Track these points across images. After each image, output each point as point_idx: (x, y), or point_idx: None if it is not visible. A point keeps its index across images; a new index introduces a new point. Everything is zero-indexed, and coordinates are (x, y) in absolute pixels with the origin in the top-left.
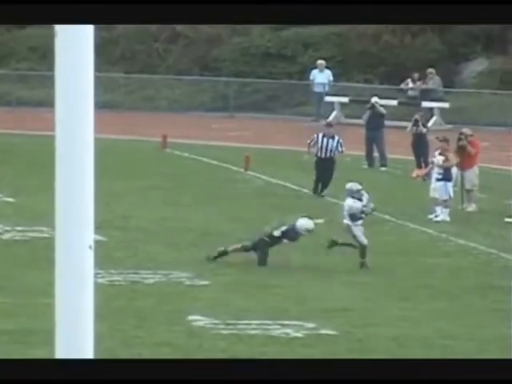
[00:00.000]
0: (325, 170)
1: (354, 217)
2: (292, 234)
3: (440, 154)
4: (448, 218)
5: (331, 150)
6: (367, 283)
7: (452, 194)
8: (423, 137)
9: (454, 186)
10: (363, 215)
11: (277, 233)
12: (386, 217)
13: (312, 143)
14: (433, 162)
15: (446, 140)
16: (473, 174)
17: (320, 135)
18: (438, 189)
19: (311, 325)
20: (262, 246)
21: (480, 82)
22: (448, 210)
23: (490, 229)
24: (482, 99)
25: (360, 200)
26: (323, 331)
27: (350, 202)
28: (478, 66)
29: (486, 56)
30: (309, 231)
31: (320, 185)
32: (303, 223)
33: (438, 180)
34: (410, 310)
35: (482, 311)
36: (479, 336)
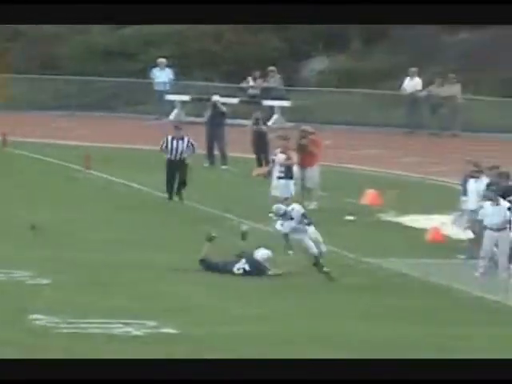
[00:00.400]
0: (176, 172)
1: (294, 233)
2: (258, 268)
3: (281, 152)
4: None
5: (181, 152)
6: (210, 282)
7: (293, 192)
8: (264, 135)
9: (295, 184)
10: (305, 225)
11: (237, 270)
12: (227, 215)
13: (163, 146)
14: (274, 161)
15: (286, 138)
16: (314, 173)
17: (169, 137)
18: (279, 187)
19: (152, 323)
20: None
21: (321, 80)
22: None
23: (331, 227)
24: (323, 97)
25: (291, 218)
26: (164, 330)
27: (278, 227)
28: (318, 64)
29: (327, 54)
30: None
31: (175, 187)
32: (263, 253)
33: (280, 178)
34: (253, 308)
35: (334, 308)
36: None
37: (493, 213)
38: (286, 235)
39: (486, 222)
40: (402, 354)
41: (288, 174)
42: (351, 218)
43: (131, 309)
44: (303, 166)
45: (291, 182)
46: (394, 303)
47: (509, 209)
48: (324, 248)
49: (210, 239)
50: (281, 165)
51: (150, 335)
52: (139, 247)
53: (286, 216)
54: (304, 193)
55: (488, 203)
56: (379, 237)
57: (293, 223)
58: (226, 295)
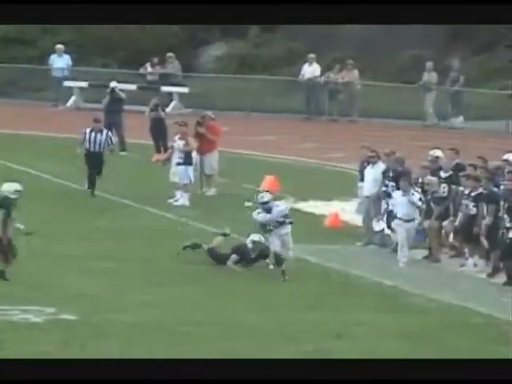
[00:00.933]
0: (94, 164)
1: (264, 227)
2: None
3: (180, 138)
4: (188, 203)
5: (100, 145)
6: (109, 269)
7: (192, 179)
8: (162, 121)
9: (194, 170)
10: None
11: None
12: (126, 201)
13: (82, 138)
14: (173, 147)
15: (185, 124)
16: (212, 159)
17: (88, 130)
18: (178, 173)
19: (51, 310)
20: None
21: (219, 66)
22: (188, 195)
23: (230, 213)
24: (221, 84)
25: (268, 212)
26: (63, 316)
27: (254, 215)
28: (216, 50)
29: (225, 41)
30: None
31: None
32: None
33: (179, 164)
34: (153, 295)
35: (227, 295)
36: (222, 321)
37: (402, 203)
38: (262, 225)
39: (397, 212)
40: (297, 340)
41: (187, 160)
42: (250, 204)
43: (30, 297)
44: (202, 152)
45: (190, 168)
46: (293, 289)
47: (420, 199)
48: (291, 254)
49: (224, 235)
50: (180, 151)
51: (49, 322)
52: (38, 236)
53: (265, 207)
54: (203, 179)
55: (399, 193)
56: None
57: (267, 216)
58: (125, 282)
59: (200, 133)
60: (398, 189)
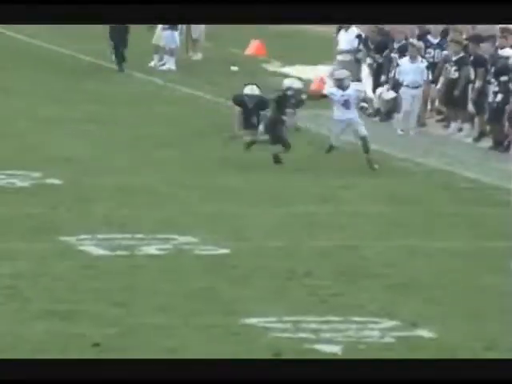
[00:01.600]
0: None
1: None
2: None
3: None
4: (174, 67)
5: None
6: (92, 132)
7: (178, 43)
8: None
9: (180, 34)
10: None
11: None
12: (113, 66)
13: None
14: None
15: None
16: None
17: None
18: (164, 37)
19: (37, 174)
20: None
21: None
22: (174, 59)
23: (215, 77)
24: None
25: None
26: (49, 180)
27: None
28: None
29: None
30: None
31: None
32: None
33: (165, 29)
34: (136, 159)
35: (208, 160)
36: (206, 184)
37: (410, 70)
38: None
39: (404, 80)
40: (286, 202)
41: (173, 25)
42: (235, 68)
43: (16, 161)
44: None
45: (176, 33)
46: (282, 154)
47: (427, 68)
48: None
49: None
50: None
51: (36, 186)
52: (25, 97)
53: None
54: (189, 43)
55: (406, 59)
56: (262, 86)
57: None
58: (109, 145)
59: None
60: (401, 57)
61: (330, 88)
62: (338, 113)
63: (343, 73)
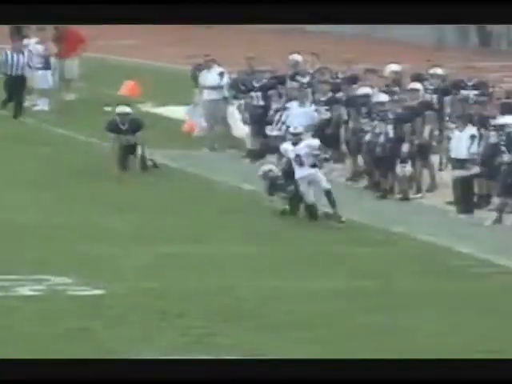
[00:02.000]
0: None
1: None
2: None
3: (38, 43)
4: (47, 107)
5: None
6: None
7: (51, 83)
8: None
9: (53, 74)
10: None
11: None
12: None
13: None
14: (31, 51)
15: (43, 29)
16: (73, 64)
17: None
18: (37, 78)
19: None
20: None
21: None
22: (48, 100)
23: (89, 118)
24: None
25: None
26: None
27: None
28: None
29: None
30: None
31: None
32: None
33: (38, 69)
34: (9, 198)
35: (83, 199)
36: (81, 224)
37: (298, 114)
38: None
39: (292, 124)
40: (154, 243)
41: (46, 65)
42: (109, 109)
43: None
44: (62, 57)
45: (49, 73)
46: (152, 193)
47: (316, 110)
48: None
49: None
50: (38, 55)
51: None
52: None
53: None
54: (62, 84)
55: (295, 103)
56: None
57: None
58: None
59: (59, 35)
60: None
61: (284, 144)
62: (297, 171)
63: (299, 128)
